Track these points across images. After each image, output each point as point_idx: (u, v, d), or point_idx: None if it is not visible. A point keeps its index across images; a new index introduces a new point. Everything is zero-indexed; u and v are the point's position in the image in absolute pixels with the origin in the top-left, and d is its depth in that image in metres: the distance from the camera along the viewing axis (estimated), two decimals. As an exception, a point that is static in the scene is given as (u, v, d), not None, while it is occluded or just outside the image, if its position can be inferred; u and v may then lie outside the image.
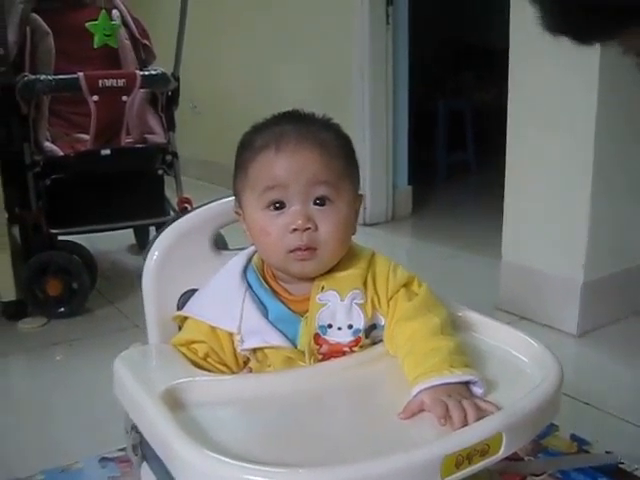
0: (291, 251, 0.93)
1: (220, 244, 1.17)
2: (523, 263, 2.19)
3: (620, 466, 1.38)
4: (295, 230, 0.92)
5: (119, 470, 1.41)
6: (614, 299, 2.11)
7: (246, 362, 0.97)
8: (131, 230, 2.92)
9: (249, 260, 1.01)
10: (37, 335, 2.18)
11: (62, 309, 2.28)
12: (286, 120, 0.98)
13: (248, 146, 0.97)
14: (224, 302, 0.97)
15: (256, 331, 0.94)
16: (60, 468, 1.44)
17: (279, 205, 0.93)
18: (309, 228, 0.92)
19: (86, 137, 2.39)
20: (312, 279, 0.96)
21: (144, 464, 1.05)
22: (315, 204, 0.93)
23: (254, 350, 0.95)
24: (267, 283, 0.98)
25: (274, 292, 0.98)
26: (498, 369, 0.92)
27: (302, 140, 0.94)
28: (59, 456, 1.49)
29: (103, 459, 1.45)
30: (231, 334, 0.95)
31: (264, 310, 0.95)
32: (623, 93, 1.97)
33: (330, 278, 0.96)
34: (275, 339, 0.94)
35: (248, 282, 0.98)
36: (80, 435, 1.59)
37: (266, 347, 0.94)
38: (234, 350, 0.96)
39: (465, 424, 0.77)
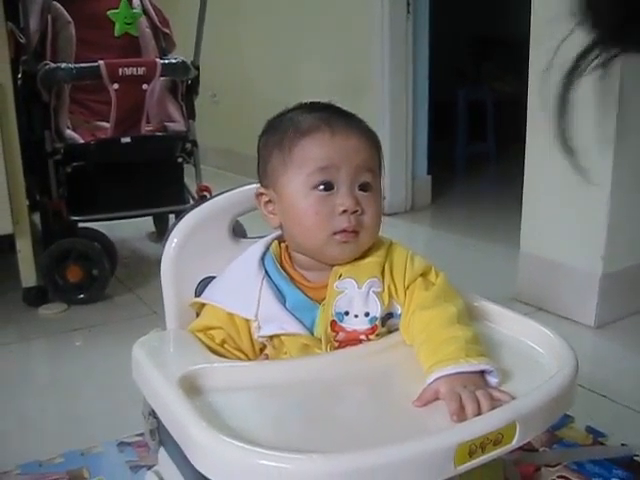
0: (336, 233, 0.94)
1: (239, 232, 1.18)
2: (541, 254, 2.18)
3: (635, 458, 1.37)
4: (344, 212, 0.94)
5: (137, 455, 1.43)
6: (633, 291, 2.10)
7: (262, 349, 0.98)
8: (151, 218, 2.95)
9: (267, 248, 1.01)
10: (57, 321, 2.20)
11: (82, 295, 2.30)
12: (323, 108, 1.00)
13: (291, 126, 0.97)
14: (241, 289, 0.98)
15: (273, 318, 0.95)
16: (79, 451, 1.45)
17: (327, 186, 0.94)
18: (357, 211, 0.94)
19: (106, 125, 2.40)
20: (331, 266, 0.97)
21: (161, 449, 1.07)
22: (359, 189, 0.95)
23: (271, 337, 0.96)
24: (285, 270, 0.99)
25: (292, 279, 0.98)
26: (514, 359, 0.92)
27: (353, 127, 0.97)
28: (78, 440, 1.50)
29: (121, 443, 1.47)
30: (248, 321, 0.96)
31: (281, 297, 0.96)
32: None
33: (348, 266, 0.97)
34: (292, 326, 0.95)
35: (266, 269, 0.98)
36: (99, 419, 1.61)
37: (283, 334, 0.95)
38: (251, 337, 0.97)
39: (478, 415, 0.78)
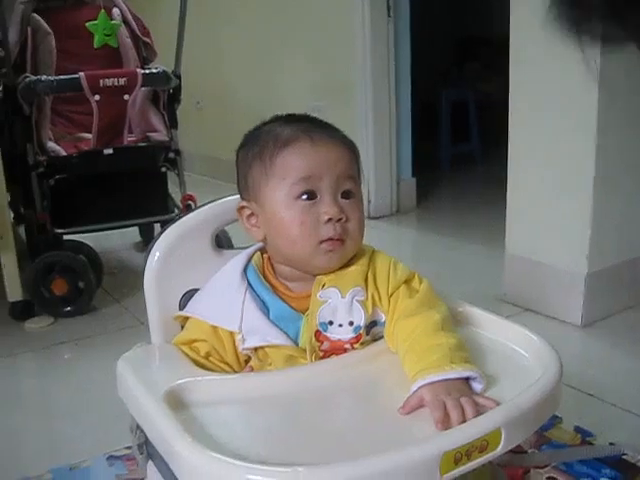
0: (322, 241, 0.94)
1: (225, 243, 1.17)
2: (527, 255, 2.19)
3: (623, 457, 1.38)
4: (329, 220, 0.94)
5: (126, 468, 1.42)
6: (618, 290, 2.11)
7: (247, 361, 0.98)
8: (137, 227, 2.94)
9: (249, 259, 1.01)
10: (44, 335, 2.19)
11: (68, 308, 2.29)
12: (301, 119, 1.01)
13: (270, 138, 0.97)
14: (225, 301, 0.97)
15: (257, 330, 0.95)
16: (68, 466, 1.45)
17: (311, 195, 0.94)
18: (341, 219, 0.94)
19: (89, 136, 2.40)
20: (314, 277, 0.97)
21: (150, 463, 1.06)
22: (342, 197, 0.96)
23: (255, 349, 0.96)
24: (267, 281, 0.99)
25: (275, 290, 0.98)
26: (498, 364, 0.92)
27: (332, 136, 0.98)
28: (67, 454, 1.50)
29: (111, 457, 1.47)
30: (232, 333, 0.96)
31: (265, 309, 0.96)
32: (625, 79, 1.96)
33: (332, 275, 0.97)
34: (276, 338, 0.94)
35: (248, 281, 0.98)
36: (88, 433, 1.61)
37: (267, 346, 0.95)
38: (235, 349, 0.97)
39: (463, 422, 0.78)
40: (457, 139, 4.59)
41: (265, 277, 0.99)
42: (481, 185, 3.97)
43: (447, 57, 5.16)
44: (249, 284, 0.98)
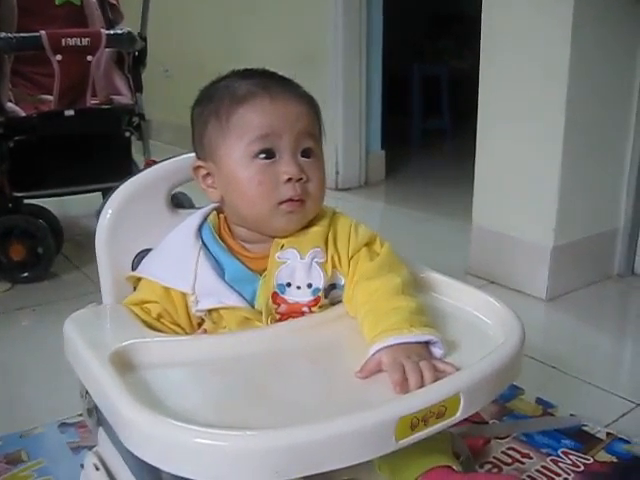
0: (282, 202, 0.90)
1: (186, 204, 1.13)
2: (493, 228, 2.18)
3: (583, 428, 1.37)
4: (289, 180, 0.90)
5: (78, 435, 1.38)
6: (583, 264, 2.11)
7: (200, 323, 0.95)
8: (100, 194, 2.87)
9: (204, 218, 0.97)
10: (1, 300, 2.13)
11: (26, 274, 2.23)
12: (259, 74, 0.96)
13: (227, 95, 0.92)
14: (178, 262, 0.94)
15: (211, 291, 0.91)
16: (18, 433, 1.40)
17: (269, 154, 0.90)
18: (301, 178, 0.91)
19: (50, 98, 2.32)
20: (272, 238, 0.94)
21: (100, 429, 1.03)
22: (302, 156, 0.92)
23: (209, 311, 0.92)
24: (223, 241, 0.95)
25: (231, 250, 0.95)
26: (460, 330, 0.90)
27: (291, 92, 0.93)
28: (20, 422, 1.45)
29: (63, 424, 1.42)
30: (185, 294, 0.92)
31: (220, 269, 0.92)
32: (594, 59, 1.95)
33: (290, 236, 0.94)
34: (231, 299, 0.91)
35: (203, 240, 0.94)
36: (41, 400, 1.56)
37: (222, 308, 0.91)
38: (188, 311, 0.93)
39: (421, 387, 0.75)
40: (429, 114, 4.57)
41: (221, 237, 0.96)
42: (451, 160, 3.95)
43: (421, 32, 5.12)
44: (204, 244, 0.94)
